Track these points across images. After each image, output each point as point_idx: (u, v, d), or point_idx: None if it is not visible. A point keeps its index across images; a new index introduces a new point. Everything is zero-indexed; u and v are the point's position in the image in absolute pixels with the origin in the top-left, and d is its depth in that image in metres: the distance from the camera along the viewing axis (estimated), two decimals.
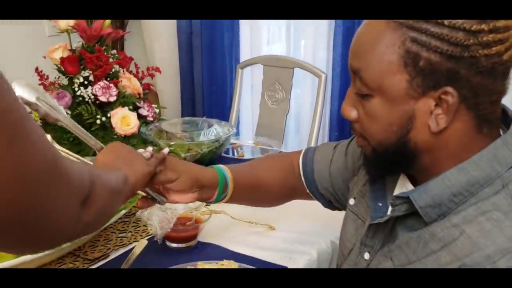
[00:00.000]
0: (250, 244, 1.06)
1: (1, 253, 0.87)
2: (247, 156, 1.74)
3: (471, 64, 0.60)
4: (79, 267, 0.98)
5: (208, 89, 2.45)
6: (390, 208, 0.71)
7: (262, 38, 2.47)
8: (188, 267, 0.90)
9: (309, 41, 2.37)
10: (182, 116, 2.46)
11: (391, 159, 0.69)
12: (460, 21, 0.59)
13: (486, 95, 0.62)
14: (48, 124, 1.49)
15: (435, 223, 0.64)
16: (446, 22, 0.59)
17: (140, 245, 0.91)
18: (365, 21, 0.68)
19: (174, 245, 1.05)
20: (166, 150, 0.88)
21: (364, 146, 0.72)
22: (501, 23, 0.59)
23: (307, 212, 1.21)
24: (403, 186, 0.75)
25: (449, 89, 0.61)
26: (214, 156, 1.51)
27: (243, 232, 1.12)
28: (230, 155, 1.69)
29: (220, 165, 0.94)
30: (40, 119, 1.49)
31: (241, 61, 2.41)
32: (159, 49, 2.45)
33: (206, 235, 1.09)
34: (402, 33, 0.62)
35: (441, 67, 0.60)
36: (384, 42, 0.63)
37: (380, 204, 0.68)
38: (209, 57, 2.43)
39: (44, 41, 1.91)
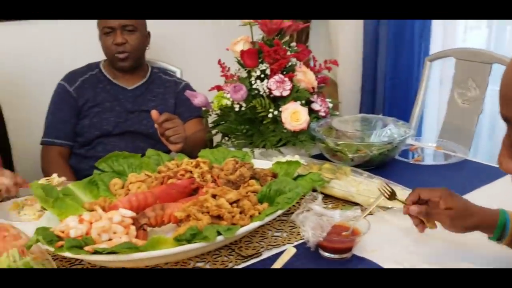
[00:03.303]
0: (414, 265, 0.95)
1: (160, 239, 0.93)
2: (426, 161, 1.59)
3: None
4: (232, 261, 1.00)
5: (391, 82, 2.31)
6: None
7: (457, 26, 2.22)
8: None
9: None
10: (361, 110, 2.37)
11: None
12: None
13: None
14: (223, 116, 1.56)
15: None
16: None
17: (288, 253, 0.88)
18: None
19: (326, 254, 0.99)
20: None
21: None
22: None
23: None
24: None
25: None
26: (385, 159, 1.41)
27: (408, 249, 1.00)
28: (405, 159, 1.55)
29: (505, 209, 0.94)
30: (219, 108, 1.56)
31: (430, 53, 2.21)
32: (343, 40, 2.38)
33: (363, 249, 1.01)
34: None
35: None
36: None
37: None
38: (395, 49, 2.28)
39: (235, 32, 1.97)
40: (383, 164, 1.42)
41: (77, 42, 2.12)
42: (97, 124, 1.79)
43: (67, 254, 0.90)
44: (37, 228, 0.96)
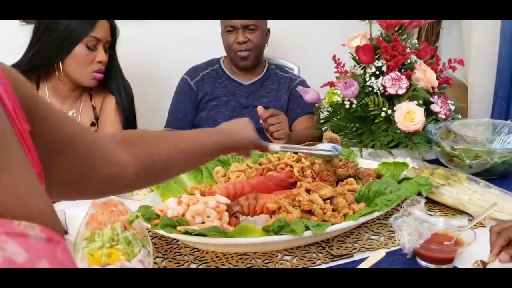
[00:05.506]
0: None
1: (249, 227, 0.93)
2: None
3: None
4: (320, 259, 0.96)
5: None
6: None
7: None
8: None
9: None
10: (492, 116, 2.14)
11: None
12: None
13: None
14: (333, 113, 1.52)
15: None
16: None
17: (375, 256, 0.82)
18: None
19: (423, 263, 0.91)
20: None
21: None
22: None
23: None
24: None
25: None
26: (509, 169, 1.25)
27: None
28: None
29: None
30: (330, 105, 1.53)
31: None
32: (477, 40, 2.17)
33: (467, 262, 0.91)
34: None
35: None
36: None
37: None
38: None
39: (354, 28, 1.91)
40: (506, 174, 1.26)
41: (200, 39, 2.23)
42: (213, 117, 1.86)
43: (161, 231, 0.94)
44: (140, 205, 1.03)
